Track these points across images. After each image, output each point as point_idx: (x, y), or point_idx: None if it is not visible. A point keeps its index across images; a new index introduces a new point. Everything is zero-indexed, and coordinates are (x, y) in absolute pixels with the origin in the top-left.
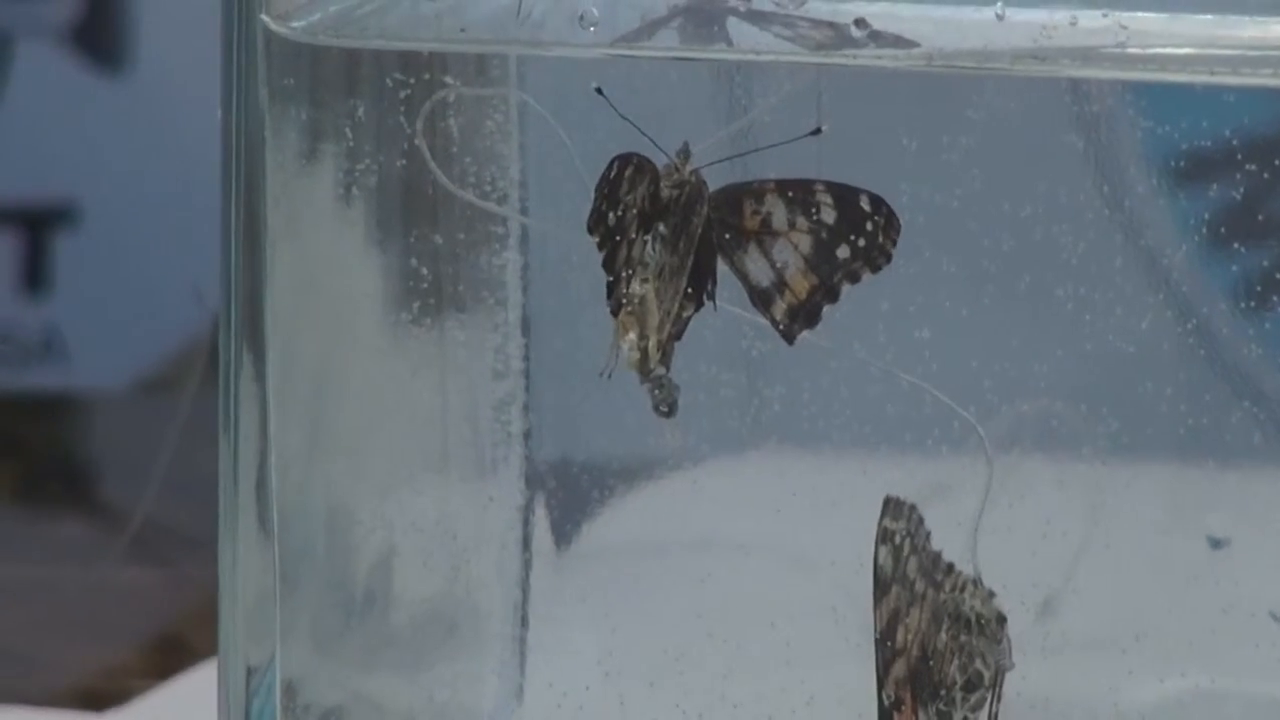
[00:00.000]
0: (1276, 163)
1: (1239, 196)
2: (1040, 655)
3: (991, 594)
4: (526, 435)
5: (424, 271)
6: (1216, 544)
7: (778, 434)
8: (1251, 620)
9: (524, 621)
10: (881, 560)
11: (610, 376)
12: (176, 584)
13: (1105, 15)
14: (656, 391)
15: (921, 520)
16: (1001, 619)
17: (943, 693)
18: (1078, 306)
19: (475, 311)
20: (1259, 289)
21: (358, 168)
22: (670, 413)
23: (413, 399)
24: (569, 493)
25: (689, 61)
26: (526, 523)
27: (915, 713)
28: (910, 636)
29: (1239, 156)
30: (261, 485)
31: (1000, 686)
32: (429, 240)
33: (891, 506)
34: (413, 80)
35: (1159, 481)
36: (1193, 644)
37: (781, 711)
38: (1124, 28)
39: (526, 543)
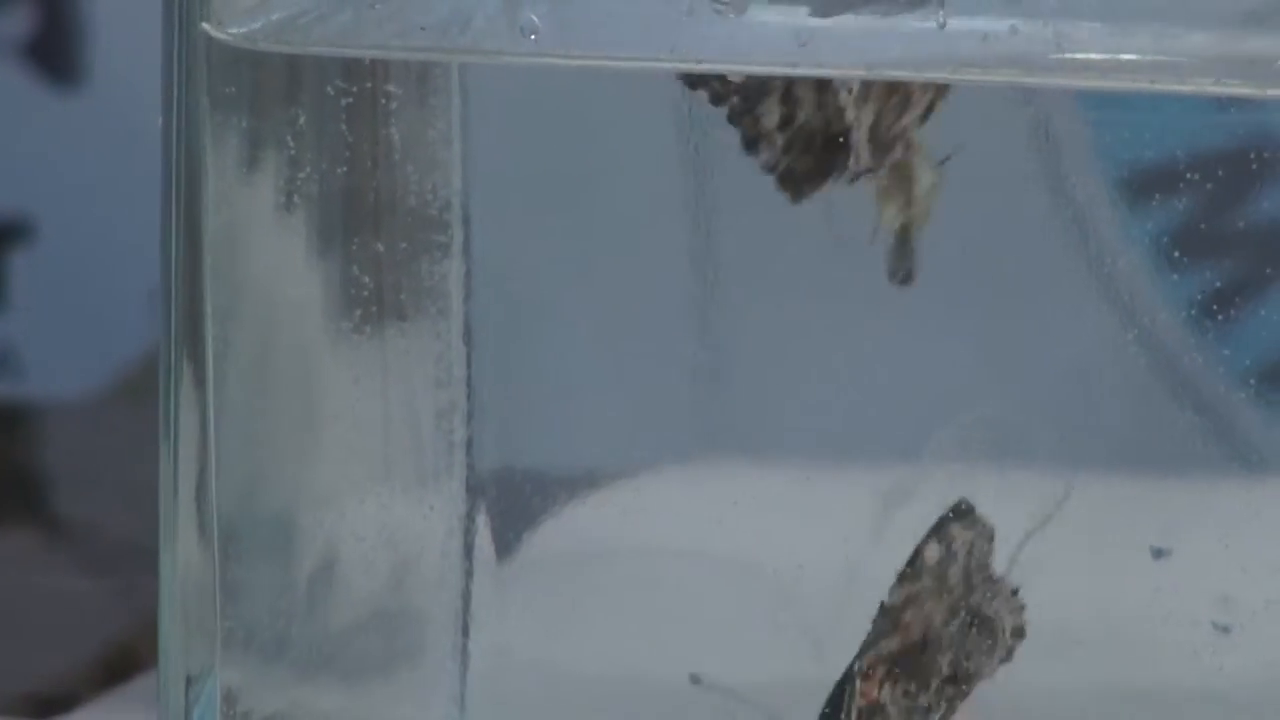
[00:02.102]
0: (1223, 178)
1: (1185, 211)
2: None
3: (1023, 607)
4: (468, 444)
5: (365, 280)
6: (1159, 553)
7: (722, 441)
8: (1194, 629)
9: (465, 630)
10: (928, 553)
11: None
12: (128, 593)
13: (1046, 24)
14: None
15: (991, 537)
16: (1020, 632)
17: (921, 679)
18: (1023, 319)
19: (417, 320)
20: (1202, 301)
21: (299, 176)
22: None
23: (354, 407)
24: (511, 501)
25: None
26: (468, 531)
27: (880, 686)
28: (918, 620)
29: (1187, 172)
30: (202, 493)
31: (971, 689)
32: (370, 248)
33: (964, 514)
34: (354, 88)
35: (1102, 491)
36: (1135, 653)
37: (721, 715)
38: (1064, 36)
39: (468, 551)
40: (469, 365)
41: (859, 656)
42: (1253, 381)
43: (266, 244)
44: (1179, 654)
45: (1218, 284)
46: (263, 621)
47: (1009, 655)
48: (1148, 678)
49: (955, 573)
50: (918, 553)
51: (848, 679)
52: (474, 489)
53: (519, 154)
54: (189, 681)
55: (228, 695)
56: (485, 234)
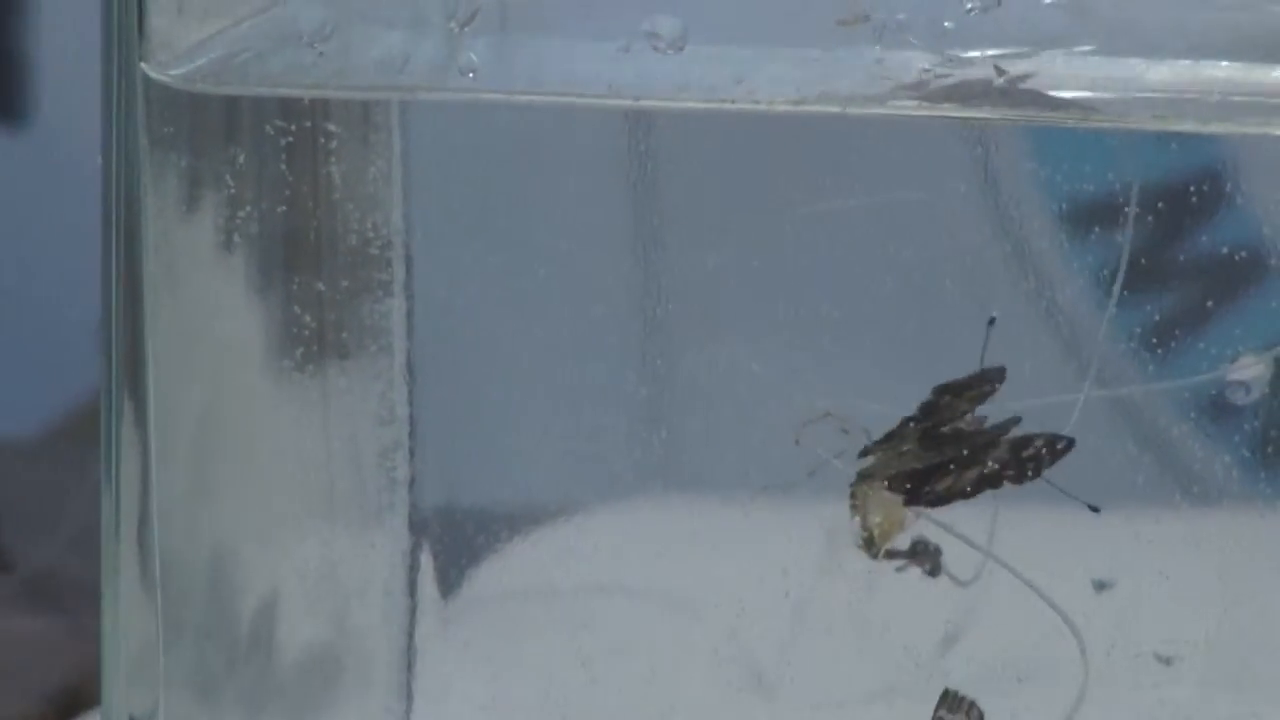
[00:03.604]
0: (1163, 212)
1: (1126, 243)
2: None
3: None
4: (411, 482)
5: (307, 318)
6: (1101, 586)
7: (662, 478)
8: (1136, 661)
9: (409, 667)
10: None
11: None
12: (76, 633)
13: (982, 55)
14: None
15: (981, 717)
16: None
17: None
18: (963, 353)
19: (359, 358)
20: (1142, 333)
21: (239, 215)
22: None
23: (296, 446)
24: (454, 539)
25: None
26: (411, 569)
27: None
28: None
29: (1127, 205)
30: (144, 533)
31: None
32: (311, 287)
33: (949, 699)
34: (293, 127)
35: (1045, 523)
36: (1077, 685)
37: None
38: (1002, 70)
39: (411, 589)
40: (411, 403)
41: None
42: (1192, 414)
43: (207, 283)
44: (1121, 686)
45: (1157, 316)
46: (206, 660)
47: None
48: (1091, 710)
49: None
50: None
51: None
52: (417, 526)
53: (460, 192)
54: None
55: None
56: (427, 272)
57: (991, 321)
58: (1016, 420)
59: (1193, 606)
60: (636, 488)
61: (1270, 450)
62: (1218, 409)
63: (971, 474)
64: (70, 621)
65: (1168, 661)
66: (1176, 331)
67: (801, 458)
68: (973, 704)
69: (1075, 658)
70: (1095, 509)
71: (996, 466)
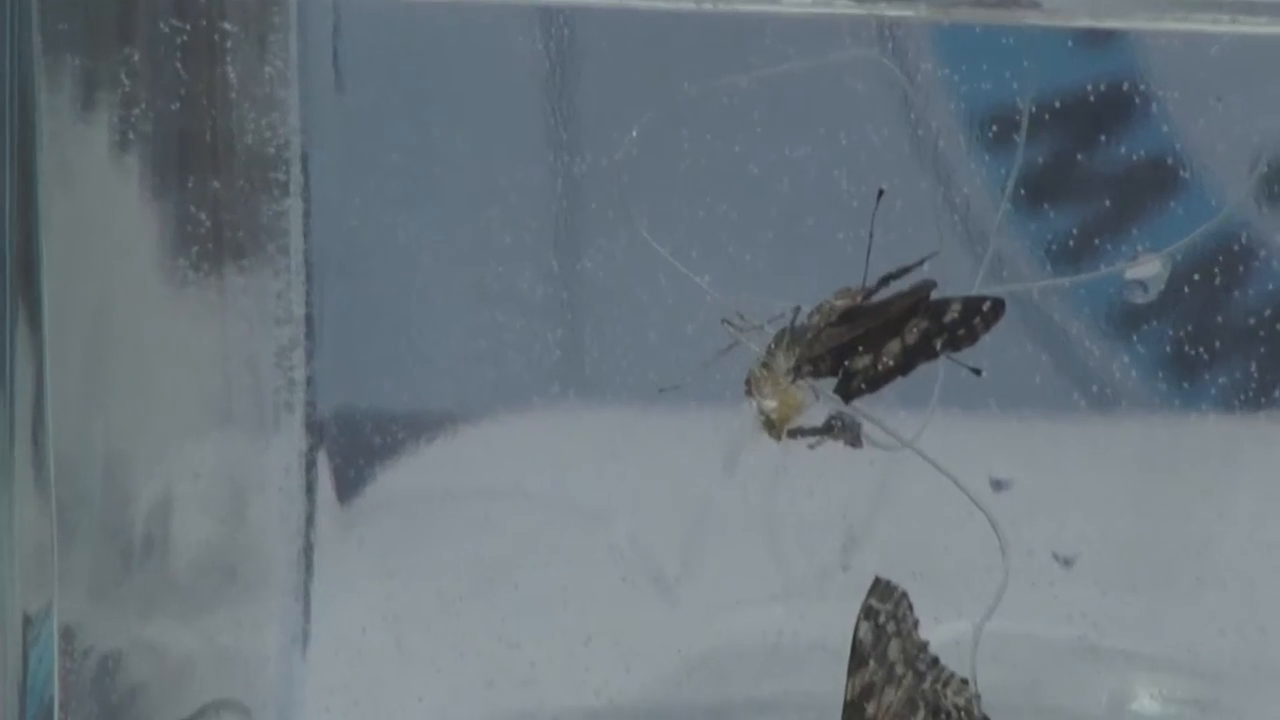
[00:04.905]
0: (1070, 116)
1: (1040, 154)
2: (837, 599)
3: (979, 696)
4: (309, 382)
5: (203, 218)
6: (998, 486)
7: (560, 381)
8: (1030, 560)
9: (307, 568)
10: (861, 635)
11: None
12: None
13: None
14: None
15: (911, 607)
16: (985, 718)
17: None
18: (875, 257)
19: (256, 258)
20: (1053, 242)
21: (134, 114)
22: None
23: (192, 346)
24: (352, 440)
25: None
26: (309, 470)
27: None
28: (883, 712)
29: (1045, 117)
30: (38, 434)
31: None
32: (208, 187)
33: (880, 588)
34: (189, 26)
35: (942, 422)
36: (969, 582)
37: (558, 653)
38: None
39: (309, 490)
40: (308, 303)
41: None
42: (1090, 313)
43: (102, 183)
44: (1018, 585)
45: (1061, 220)
46: (101, 560)
47: None
48: (984, 607)
49: (894, 650)
50: (854, 640)
51: None
52: (314, 428)
53: (358, 91)
54: (27, 621)
55: (66, 633)
56: (324, 172)
57: (880, 194)
58: (931, 284)
59: (1091, 507)
60: (536, 390)
61: (1168, 350)
62: (1116, 309)
63: (893, 346)
64: None
65: (1066, 562)
66: (1075, 232)
67: (697, 361)
68: (904, 594)
69: (980, 557)
70: (977, 371)
71: (918, 335)
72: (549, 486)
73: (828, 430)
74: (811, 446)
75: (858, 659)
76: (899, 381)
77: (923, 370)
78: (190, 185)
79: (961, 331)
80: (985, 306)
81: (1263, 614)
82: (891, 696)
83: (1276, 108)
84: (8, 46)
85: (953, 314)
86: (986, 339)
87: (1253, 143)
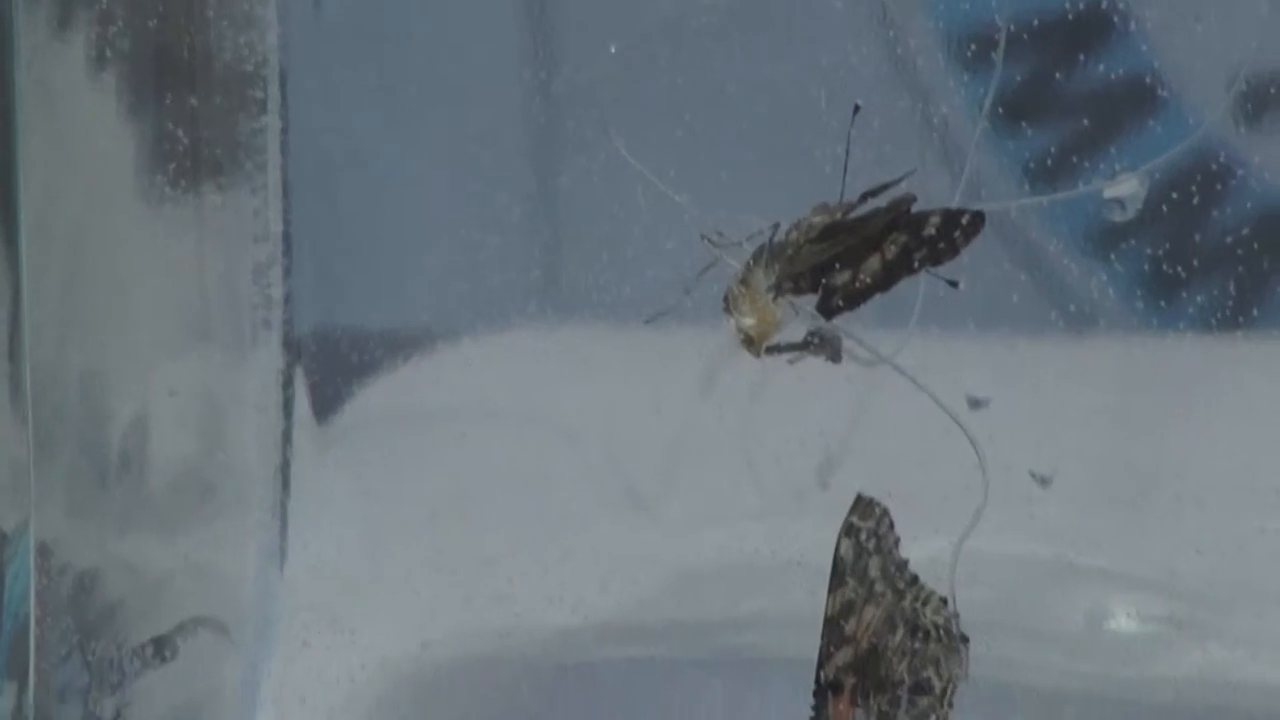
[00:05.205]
0: (1058, 44)
1: (1019, 74)
2: (814, 516)
3: (957, 615)
4: (286, 300)
5: (180, 135)
6: (976, 404)
7: (538, 299)
8: (1007, 479)
9: (284, 486)
10: (843, 552)
11: None
12: None
13: None
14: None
15: (892, 525)
16: (964, 639)
17: (889, 690)
18: (852, 177)
19: (233, 175)
20: (1032, 162)
21: (111, 32)
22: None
23: (169, 263)
24: (329, 358)
25: None
26: (286, 387)
27: (854, 701)
28: (862, 629)
29: (1022, 34)
30: (14, 351)
31: (951, 697)
32: (185, 104)
33: (861, 505)
34: None
35: (919, 342)
36: (947, 501)
37: (535, 567)
38: None
39: (287, 408)
40: (286, 221)
41: (820, 668)
42: (1068, 231)
43: (79, 101)
44: (994, 503)
45: (1049, 146)
46: (78, 478)
47: (963, 663)
48: (962, 525)
49: (874, 568)
50: (835, 557)
51: (819, 693)
52: (292, 345)
53: (336, 7)
54: (3, 538)
55: (43, 550)
56: (302, 89)
57: (856, 109)
58: (910, 199)
59: (1068, 426)
60: (514, 308)
61: (1146, 269)
62: (1094, 228)
63: (872, 262)
64: None
65: (1043, 481)
66: (1054, 151)
67: (683, 282)
68: (885, 511)
69: (957, 475)
70: (955, 284)
71: (897, 251)
72: (526, 404)
73: (807, 346)
74: (791, 362)
75: (837, 576)
76: (877, 301)
77: (901, 290)
78: (168, 103)
79: (942, 245)
80: (965, 219)
81: (1239, 532)
82: (871, 614)
83: (1254, 27)
84: None
85: (932, 227)
86: (965, 257)
87: (1230, 61)
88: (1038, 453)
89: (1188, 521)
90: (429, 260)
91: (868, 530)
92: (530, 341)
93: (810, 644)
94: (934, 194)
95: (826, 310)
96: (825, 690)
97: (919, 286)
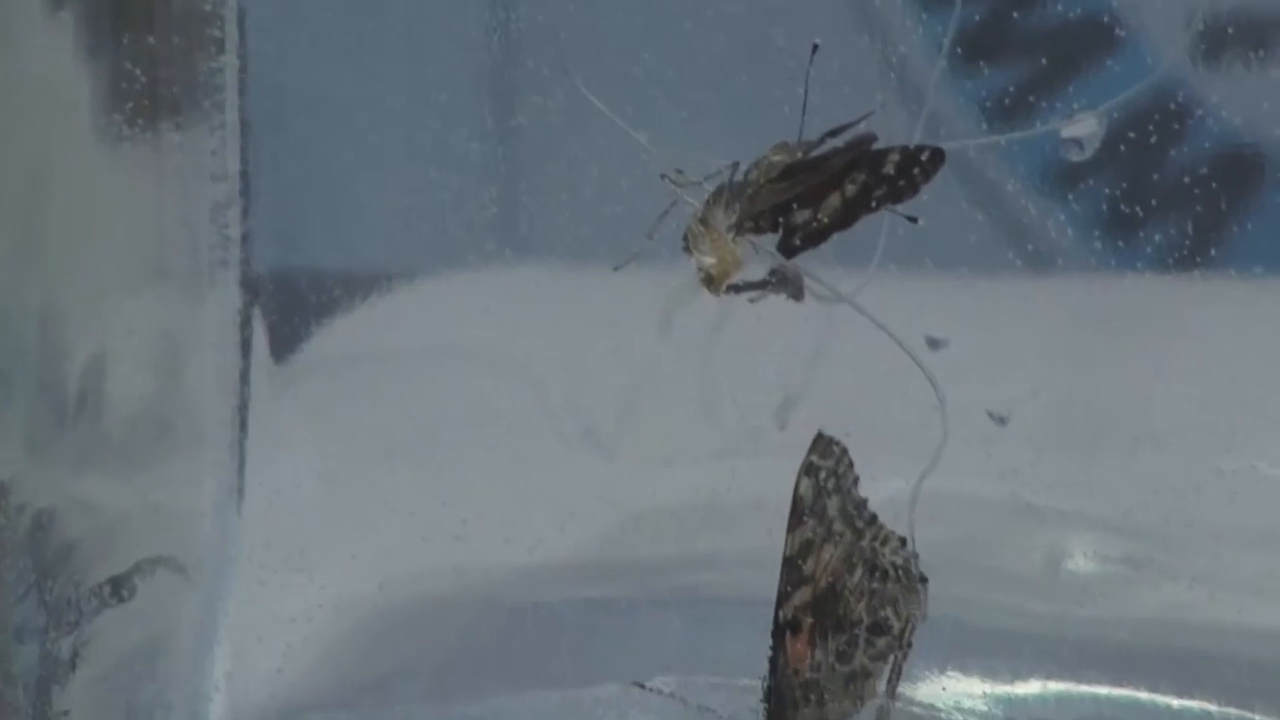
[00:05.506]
0: None
1: (979, 14)
2: (772, 456)
3: (916, 555)
4: (244, 239)
5: (138, 74)
6: (934, 344)
7: (495, 238)
8: (965, 418)
9: (242, 426)
10: (802, 491)
11: None
12: None
13: None
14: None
15: (851, 464)
16: (923, 579)
17: (847, 630)
18: (811, 117)
19: (191, 114)
20: (989, 100)
21: None
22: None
23: (127, 203)
24: (287, 297)
25: None
26: (244, 327)
27: (813, 641)
28: (820, 569)
29: None
30: None
31: (909, 637)
32: (143, 43)
33: (821, 444)
34: None
35: (878, 282)
36: (905, 441)
37: (492, 509)
38: None
39: (244, 347)
40: (244, 160)
41: (778, 608)
42: (1026, 171)
43: (36, 40)
44: (952, 442)
45: (1007, 85)
46: (35, 417)
47: (921, 603)
48: (920, 466)
49: (833, 507)
50: (794, 496)
51: (778, 632)
52: (250, 285)
53: None
54: None
55: (0, 489)
56: (260, 28)
57: (815, 48)
58: (871, 137)
59: (1026, 366)
60: (472, 248)
61: (1104, 209)
62: (1052, 167)
63: (832, 200)
64: None
65: (1001, 420)
66: (1011, 90)
67: (641, 221)
68: (844, 450)
69: (915, 415)
70: (914, 219)
71: (857, 189)
72: (484, 344)
73: (768, 285)
74: (752, 301)
75: (796, 516)
76: (837, 240)
77: (861, 230)
78: (126, 42)
79: (901, 183)
80: (924, 156)
81: (1196, 473)
82: (829, 554)
83: None
84: None
85: (891, 166)
86: (924, 197)
87: (1188, 1)
88: (995, 393)
89: (1145, 462)
90: (387, 200)
91: (827, 469)
92: (488, 281)
93: (769, 584)
94: (893, 133)
95: (787, 249)
96: (783, 630)
97: (882, 226)
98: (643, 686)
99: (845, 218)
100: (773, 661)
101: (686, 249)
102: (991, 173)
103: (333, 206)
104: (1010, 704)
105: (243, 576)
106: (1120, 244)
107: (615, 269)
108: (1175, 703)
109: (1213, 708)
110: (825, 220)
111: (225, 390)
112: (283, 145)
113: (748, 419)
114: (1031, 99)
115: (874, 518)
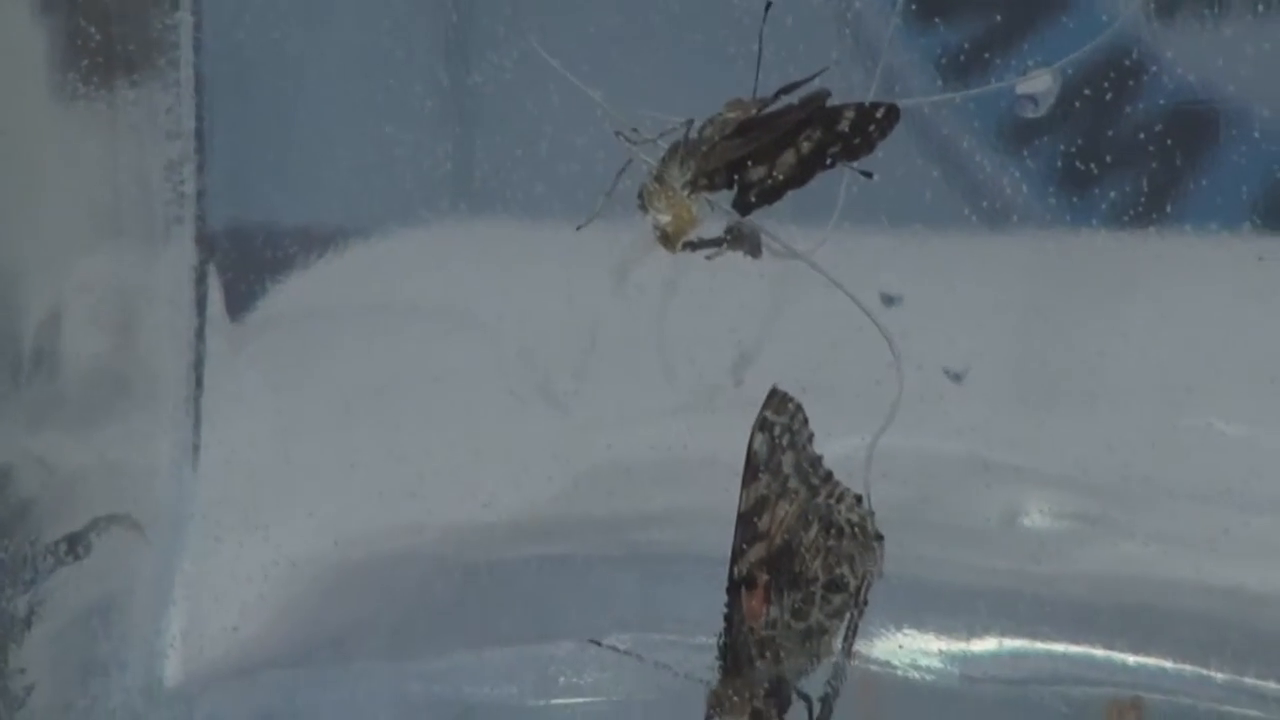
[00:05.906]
0: None
1: None
2: (728, 413)
3: (872, 512)
4: (199, 196)
5: (93, 31)
6: (889, 300)
7: (450, 195)
8: (920, 375)
9: (198, 383)
10: (756, 447)
11: None
12: None
13: None
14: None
15: (806, 421)
16: (879, 536)
17: (803, 587)
18: (766, 72)
19: (146, 71)
20: (944, 56)
21: None
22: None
23: (82, 160)
24: (242, 254)
25: None
26: (199, 284)
27: (768, 597)
28: (775, 525)
29: None
30: None
31: (865, 594)
32: (98, 0)
33: (776, 400)
34: None
35: (833, 238)
36: (861, 398)
37: (447, 466)
38: None
39: (200, 305)
40: (199, 117)
41: (733, 564)
42: (980, 127)
43: None
44: (907, 398)
45: (961, 42)
46: None
47: (877, 560)
48: (876, 423)
49: (788, 463)
50: (749, 452)
51: (733, 588)
52: (205, 242)
53: None
54: None
55: None
56: None
57: (768, 6)
58: (825, 94)
59: (982, 322)
60: (426, 204)
61: (1059, 165)
62: (1006, 124)
63: (788, 157)
64: None
65: (956, 377)
66: (966, 46)
67: (595, 178)
68: (799, 406)
69: (870, 372)
70: (869, 175)
71: (812, 146)
72: (439, 300)
73: (724, 242)
74: (709, 258)
75: (751, 471)
76: (792, 196)
77: (817, 187)
78: None
79: (857, 140)
80: (879, 113)
81: (1152, 430)
82: (784, 510)
83: None
84: None
85: (846, 122)
86: (879, 153)
87: None
88: (951, 349)
89: (1100, 418)
90: (342, 156)
91: (781, 425)
92: (443, 237)
93: (724, 540)
94: (848, 90)
95: (742, 206)
96: (739, 586)
97: (839, 184)
98: (599, 644)
99: (800, 175)
100: (728, 618)
101: (642, 206)
102: (946, 129)
103: (288, 163)
104: (966, 661)
105: (198, 534)
106: (1075, 200)
107: (578, 229)
108: (1131, 659)
109: (1168, 664)
110: (780, 177)
111: (180, 347)
112: (238, 102)
113: (704, 376)
114: (986, 55)
115: (829, 474)
